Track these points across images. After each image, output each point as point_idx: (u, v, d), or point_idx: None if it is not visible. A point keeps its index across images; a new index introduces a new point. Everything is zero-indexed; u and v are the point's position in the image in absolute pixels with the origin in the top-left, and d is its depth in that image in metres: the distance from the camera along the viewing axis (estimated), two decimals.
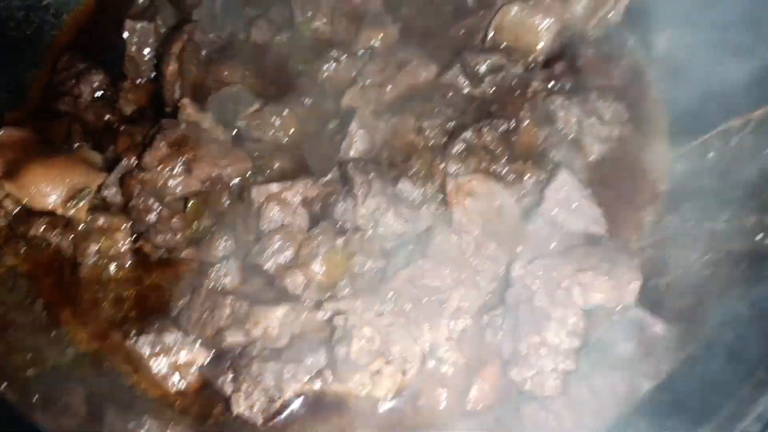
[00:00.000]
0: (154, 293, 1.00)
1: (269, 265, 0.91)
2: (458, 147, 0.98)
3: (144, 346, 0.93)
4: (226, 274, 0.95)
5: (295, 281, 0.89)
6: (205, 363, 0.93)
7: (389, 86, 1.09)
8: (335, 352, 0.82)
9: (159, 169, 0.97)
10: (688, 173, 1.02)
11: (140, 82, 1.15)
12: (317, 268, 0.88)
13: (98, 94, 1.14)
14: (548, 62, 1.10)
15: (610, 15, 1.15)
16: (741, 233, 0.88)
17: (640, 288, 0.89)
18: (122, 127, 1.07)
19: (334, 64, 1.12)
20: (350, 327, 0.81)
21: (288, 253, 0.91)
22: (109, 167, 1.03)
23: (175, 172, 0.98)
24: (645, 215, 1.00)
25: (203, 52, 1.15)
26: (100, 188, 1.01)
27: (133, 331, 0.95)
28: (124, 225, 0.99)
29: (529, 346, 0.83)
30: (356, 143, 0.99)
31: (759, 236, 0.85)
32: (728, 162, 0.98)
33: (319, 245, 0.89)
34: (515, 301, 0.86)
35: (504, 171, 0.98)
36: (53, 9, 1.24)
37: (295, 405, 0.89)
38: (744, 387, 0.71)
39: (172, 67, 1.07)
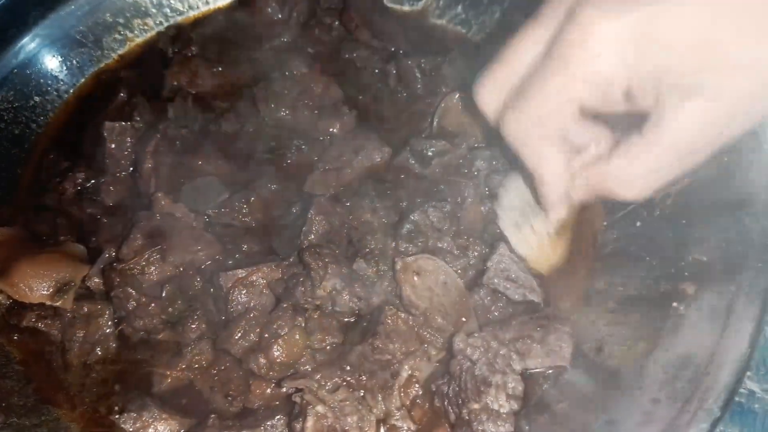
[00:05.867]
0: (136, 371, 1.08)
1: (235, 350, 1.00)
2: (408, 227, 1.08)
3: (127, 422, 1.01)
4: (200, 353, 1.04)
5: (258, 363, 0.98)
6: None
7: (347, 170, 1.20)
8: (293, 426, 0.91)
9: (135, 259, 1.07)
10: (619, 241, 1.12)
11: (120, 176, 1.25)
12: (277, 351, 0.97)
13: (81, 188, 1.24)
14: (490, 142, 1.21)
15: None
16: (661, 299, 0.98)
17: (573, 351, 0.99)
18: (103, 220, 1.18)
19: (297, 152, 1.23)
20: (305, 404, 0.90)
21: (252, 336, 1.00)
22: (92, 258, 1.12)
23: (150, 260, 1.08)
24: (579, 281, 1.09)
25: (178, 144, 1.26)
26: (84, 279, 1.10)
27: (116, 408, 1.03)
28: (107, 312, 1.08)
29: (470, 412, 0.91)
30: (315, 228, 1.09)
31: (674, 303, 0.95)
32: (652, 231, 1.08)
33: (279, 327, 0.98)
34: (458, 370, 0.94)
35: (450, 246, 1.08)
36: (39, 108, 1.36)
37: None
38: None
39: (147, 165, 1.18)
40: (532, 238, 0.97)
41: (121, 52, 1.46)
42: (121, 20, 1.45)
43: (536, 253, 1.00)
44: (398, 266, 1.02)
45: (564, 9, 0.64)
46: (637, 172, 0.71)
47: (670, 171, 0.70)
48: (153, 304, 1.07)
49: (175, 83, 1.34)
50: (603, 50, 0.61)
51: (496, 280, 1.03)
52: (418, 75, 1.30)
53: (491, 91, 0.75)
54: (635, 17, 0.59)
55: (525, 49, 0.70)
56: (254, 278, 1.05)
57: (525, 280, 1.04)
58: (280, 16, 1.47)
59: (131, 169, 1.26)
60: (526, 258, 1.01)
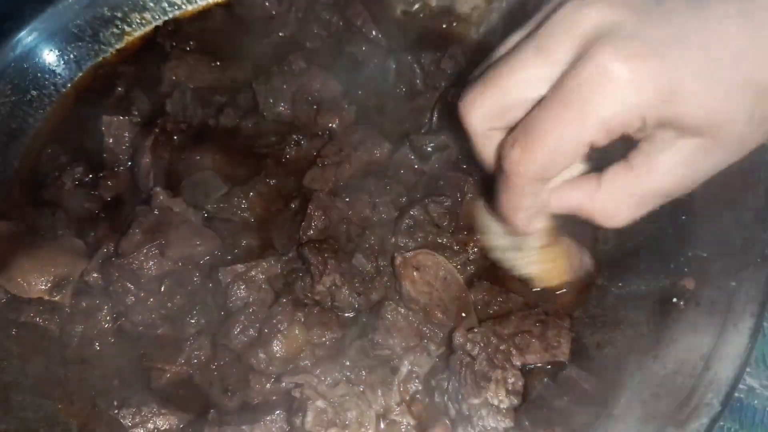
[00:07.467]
0: (135, 366, 1.07)
1: (235, 345, 1.00)
2: (407, 222, 1.08)
3: (126, 417, 1.01)
4: (199, 349, 1.04)
5: (257, 358, 0.98)
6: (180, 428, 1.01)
7: (347, 165, 1.19)
8: (293, 421, 0.91)
9: (134, 254, 1.07)
10: (618, 236, 1.11)
11: (118, 170, 1.25)
12: (277, 346, 0.97)
13: (79, 183, 1.24)
14: None
15: None
16: (660, 295, 0.98)
17: (572, 346, 0.99)
18: (102, 215, 1.17)
19: (296, 147, 1.23)
20: (305, 399, 0.90)
21: (252, 332, 1.00)
22: (90, 253, 1.12)
23: (149, 255, 1.07)
24: (578, 278, 1.08)
25: (176, 139, 1.26)
26: (82, 274, 1.10)
27: (115, 403, 1.02)
28: (106, 307, 1.08)
29: (470, 407, 0.91)
30: (314, 223, 1.09)
31: (674, 299, 0.95)
32: (652, 226, 1.07)
33: (279, 323, 0.98)
34: (458, 366, 0.94)
35: (449, 242, 1.08)
36: (36, 102, 1.36)
37: None
38: None
39: (145, 160, 1.17)
40: (533, 253, 0.95)
41: (119, 46, 1.46)
42: (119, 14, 1.45)
43: (546, 267, 0.98)
44: (398, 261, 1.02)
45: (574, 46, 0.61)
46: (621, 204, 0.71)
47: (655, 202, 0.71)
48: (152, 299, 1.06)
49: (174, 78, 1.34)
50: (625, 95, 0.59)
51: None
52: (418, 70, 1.30)
53: (481, 115, 0.71)
54: (659, 63, 0.58)
55: (524, 85, 0.66)
56: (253, 273, 1.05)
57: None
58: (278, 10, 1.46)
59: (129, 163, 1.25)
60: (541, 277, 1.00)
